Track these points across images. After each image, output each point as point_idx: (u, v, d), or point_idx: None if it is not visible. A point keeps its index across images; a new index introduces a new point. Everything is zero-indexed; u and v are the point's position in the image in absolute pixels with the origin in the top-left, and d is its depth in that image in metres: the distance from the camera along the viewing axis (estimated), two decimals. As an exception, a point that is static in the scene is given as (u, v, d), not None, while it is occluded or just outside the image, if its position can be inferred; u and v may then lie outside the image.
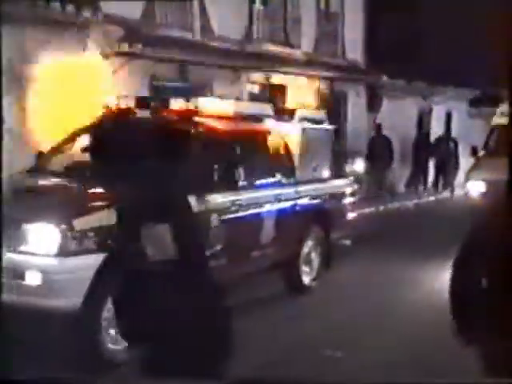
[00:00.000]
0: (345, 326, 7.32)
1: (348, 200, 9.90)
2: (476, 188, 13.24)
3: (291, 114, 9.09)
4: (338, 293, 8.74)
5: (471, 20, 19.09)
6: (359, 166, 16.01)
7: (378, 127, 19.08)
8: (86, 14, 10.92)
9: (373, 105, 20.23)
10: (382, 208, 17.09)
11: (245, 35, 15.59)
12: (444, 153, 20.74)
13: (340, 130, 16.98)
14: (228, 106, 8.04)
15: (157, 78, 12.93)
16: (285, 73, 16.46)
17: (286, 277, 8.70)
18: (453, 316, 3.31)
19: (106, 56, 11.74)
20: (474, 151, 15.06)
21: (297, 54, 16.88)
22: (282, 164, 8.51)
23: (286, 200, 8.32)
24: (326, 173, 9.53)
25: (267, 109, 8.82)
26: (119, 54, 11.97)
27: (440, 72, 19.72)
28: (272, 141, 8.49)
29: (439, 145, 21.15)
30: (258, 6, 15.77)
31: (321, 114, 9.99)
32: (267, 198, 7.96)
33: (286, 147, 8.66)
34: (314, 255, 8.98)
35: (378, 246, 11.58)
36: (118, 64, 12.00)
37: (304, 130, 9.01)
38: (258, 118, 8.38)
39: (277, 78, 16.45)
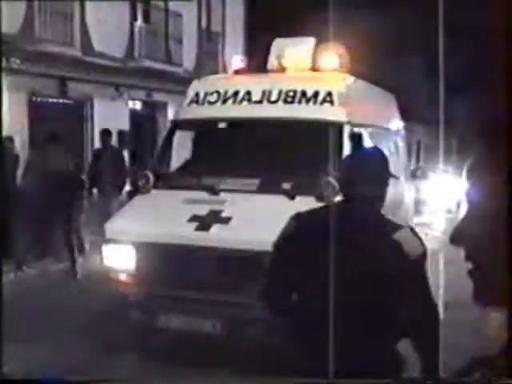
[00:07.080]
0: None
1: None
2: (118, 259, 6.37)
3: None
4: None
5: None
6: None
7: (105, 135, 11.51)
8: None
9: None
10: None
11: (126, 52, 15.64)
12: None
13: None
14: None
15: (36, 93, 12.76)
16: (166, 90, 16.61)
17: None
18: None
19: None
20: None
21: (178, 71, 17.08)
22: None
23: None
24: None
25: None
26: (-4, 69, 11.75)
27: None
28: None
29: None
30: (139, 23, 15.84)
31: None
32: None
33: None
34: None
35: None
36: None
37: None
38: None
39: (158, 95, 16.58)
